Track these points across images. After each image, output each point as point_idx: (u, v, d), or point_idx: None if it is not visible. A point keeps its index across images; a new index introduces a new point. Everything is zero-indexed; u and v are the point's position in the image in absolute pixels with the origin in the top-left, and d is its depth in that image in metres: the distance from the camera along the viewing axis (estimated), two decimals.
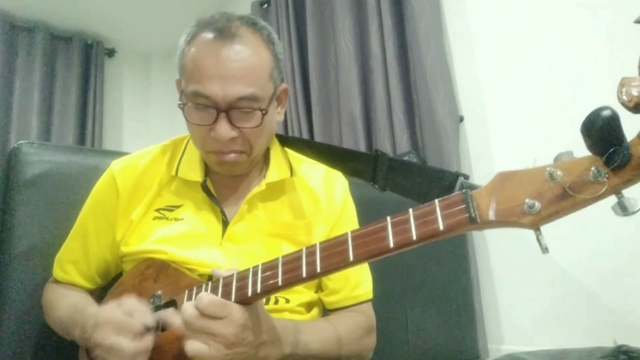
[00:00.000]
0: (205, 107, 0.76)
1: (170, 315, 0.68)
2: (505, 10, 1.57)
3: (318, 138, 2.06)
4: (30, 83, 2.95)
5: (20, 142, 0.98)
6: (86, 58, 3.22)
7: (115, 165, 0.88)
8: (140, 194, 0.85)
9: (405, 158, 1.58)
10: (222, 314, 0.60)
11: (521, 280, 1.47)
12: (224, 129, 0.75)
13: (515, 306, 1.49)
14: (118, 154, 0.94)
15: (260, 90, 0.77)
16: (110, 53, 3.38)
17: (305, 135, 2.13)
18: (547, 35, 1.46)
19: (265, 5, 2.51)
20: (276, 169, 0.87)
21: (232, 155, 0.79)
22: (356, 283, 0.88)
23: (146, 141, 3.31)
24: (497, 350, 1.48)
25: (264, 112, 0.78)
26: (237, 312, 0.60)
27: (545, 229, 0.46)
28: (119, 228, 0.84)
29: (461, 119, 1.65)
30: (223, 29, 0.76)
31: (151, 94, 3.52)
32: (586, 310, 1.32)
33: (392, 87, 1.75)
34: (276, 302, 0.80)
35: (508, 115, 1.55)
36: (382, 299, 0.92)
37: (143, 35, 3.32)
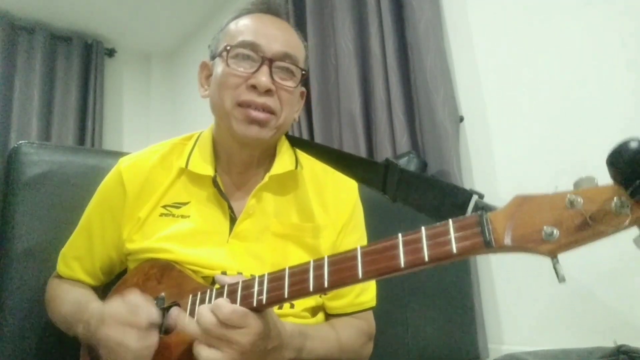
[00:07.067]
0: (249, 57, 0.79)
1: (182, 318, 0.66)
2: (505, 9, 1.57)
3: (318, 138, 2.05)
4: (30, 83, 2.94)
5: (20, 142, 0.98)
6: (86, 58, 3.21)
7: (123, 162, 0.87)
8: (148, 192, 0.84)
9: (405, 158, 1.57)
10: (242, 324, 0.60)
11: (521, 280, 1.47)
12: (264, 76, 0.78)
13: (515, 306, 1.49)
14: (118, 154, 0.93)
15: (300, 61, 0.84)
16: (110, 53, 3.38)
17: (305, 136, 2.13)
18: (548, 35, 1.46)
19: None
20: (281, 163, 0.87)
21: (262, 114, 0.79)
22: (361, 289, 0.87)
23: (146, 141, 3.30)
24: (497, 350, 1.48)
25: (303, 72, 0.83)
26: (255, 321, 0.60)
27: None
28: (125, 226, 0.83)
29: (461, 119, 1.65)
30: (269, 4, 0.85)
31: (151, 94, 3.52)
32: (586, 310, 1.32)
33: (392, 87, 1.75)
34: (280, 306, 0.80)
35: (508, 115, 1.54)
36: (382, 299, 0.92)
37: (143, 35, 3.32)
